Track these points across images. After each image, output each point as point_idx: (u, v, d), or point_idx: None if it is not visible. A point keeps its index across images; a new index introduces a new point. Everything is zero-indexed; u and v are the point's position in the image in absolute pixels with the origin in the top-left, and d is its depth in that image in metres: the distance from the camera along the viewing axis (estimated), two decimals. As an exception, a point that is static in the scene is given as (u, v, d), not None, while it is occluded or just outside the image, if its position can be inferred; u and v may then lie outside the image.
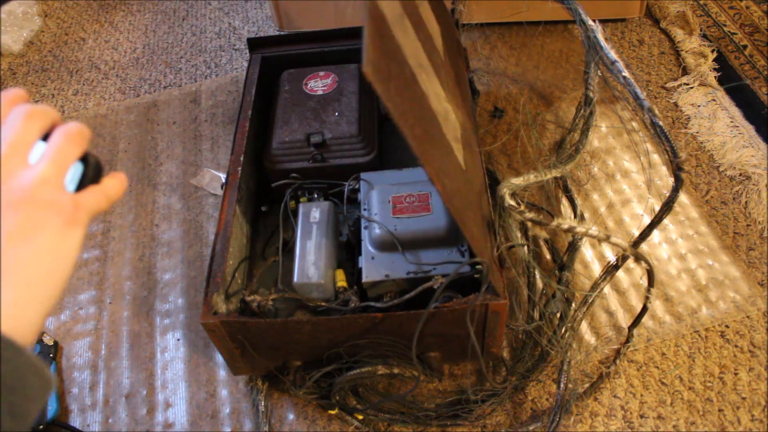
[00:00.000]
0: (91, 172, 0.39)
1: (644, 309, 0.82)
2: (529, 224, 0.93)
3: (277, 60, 1.07)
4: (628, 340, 0.87)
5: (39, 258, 0.35)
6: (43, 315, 0.36)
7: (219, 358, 0.92)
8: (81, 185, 0.39)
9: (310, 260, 0.83)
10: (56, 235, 0.36)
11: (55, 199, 0.36)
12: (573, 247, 0.97)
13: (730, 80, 1.21)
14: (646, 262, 0.73)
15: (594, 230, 0.64)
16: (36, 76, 1.43)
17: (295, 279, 0.82)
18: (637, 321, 0.85)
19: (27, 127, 0.37)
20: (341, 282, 0.83)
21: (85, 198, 0.39)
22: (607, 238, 0.65)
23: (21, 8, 1.50)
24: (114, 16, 1.57)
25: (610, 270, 0.83)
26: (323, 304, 0.82)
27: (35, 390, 0.33)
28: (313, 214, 0.87)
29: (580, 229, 0.63)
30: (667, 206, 0.72)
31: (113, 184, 0.41)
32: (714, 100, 1.18)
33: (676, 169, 0.63)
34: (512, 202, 0.66)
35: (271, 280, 0.89)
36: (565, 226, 0.63)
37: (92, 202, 0.39)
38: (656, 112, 0.61)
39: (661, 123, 0.62)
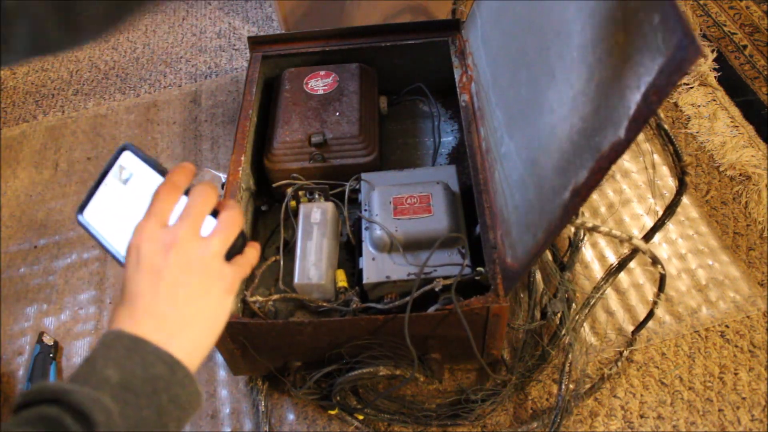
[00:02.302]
0: (238, 245, 0.48)
1: (651, 313, 0.82)
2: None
3: (277, 59, 1.07)
4: (630, 344, 0.87)
5: (208, 315, 0.45)
6: (203, 358, 0.46)
7: (219, 358, 0.92)
8: (230, 254, 0.48)
9: (311, 261, 0.83)
10: (220, 298, 0.46)
11: (221, 271, 0.46)
12: (574, 247, 0.97)
13: (729, 80, 1.21)
14: (662, 266, 0.73)
15: (617, 231, 0.64)
16: (36, 76, 1.43)
17: (296, 280, 0.82)
18: (641, 325, 0.85)
19: (202, 208, 0.46)
20: (342, 282, 0.84)
21: (238, 268, 0.48)
22: (630, 239, 0.65)
23: (21, 8, 1.50)
24: (114, 16, 1.57)
25: (613, 272, 0.83)
26: (324, 304, 0.82)
27: (195, 408, 0.44)
28: (314, 214, 0.87)
29: (603, 228, 0.63)
30: (671, 210, 0.72)
31: (253, 253, 0.50)
32: (714, 100, 1.18)
33: (681, 173, 0.63)
34: None
35: (272, 280, 0.89)
36: (590, 225, 0.63)
37: (241, 271, 0.48)
38: (662, 116, 0.61)
39: (666, 126, 0.62)
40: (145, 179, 0.50)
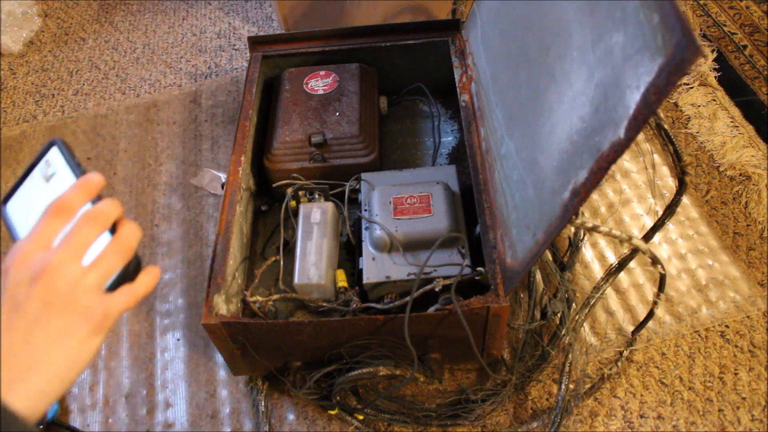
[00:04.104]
0: (130, 271, 0.44)
1: (651, 314, 0.82)
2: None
3: (277, 59, 1.07)
4: (630, 344, 0.87)
5: (63, 359, 0.41)
6: (50, 404, 0.41)
7: (219, 358, 0.92)
8: (116, 282, 0.43)
9: (311, 261, 0.83)
10: (82, 340, 0.41)
11: (91, 307, 0.41)
12: (574, 247, 0.97)
13: (729, 80, 1.21)
14: (662, 266, 0.72)
15: (617, 231, 0.64)
16: (36, 76, 1.43)
17: (296, 280, 0.82)
18: (641, 325, 0.85)
19: (88, 231, 0.42)
20: (342, 282, 0.84)
21: (116, 302, 0.43)
22: (630, 239, 0.65)
23: (21, 8, 1.50)
24: (114, 16, 1.57)
25: (613, 271, 0.83)
26: (324, 304, 0.82)
27: None
28: (314, 214, 0.87)
29: (603, 228, 0.63)
30: (671, 210, 0.72)
31: (146, 281, 0.45)
32: (714, 100, 1.18)
33: (681, 173, 0.63)
34: None
35: (272, 280, 0.89)
36: (590, 225, 0.63)
37: (121, 306, 0.43)
38: (662, 116, 0.61)
39: (666, 126, 0.62)
40: (65, 180, 0.46)
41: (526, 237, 0.68)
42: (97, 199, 0.44)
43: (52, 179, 0.46)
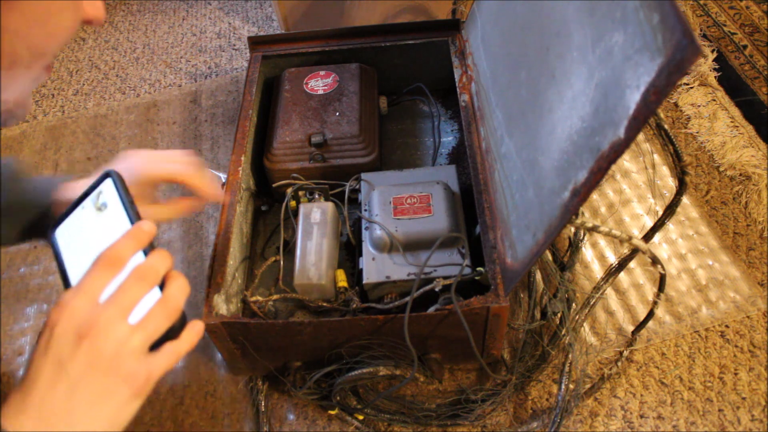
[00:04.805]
0: (175, 328, 0.43)
1: (651, 314, 0.82)
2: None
3: (277, 59, 1.07)
4: (630, 344, 0.87)
5: (102, 422, 0.40)
6: None
7: (219, 358, 0.92)
8: (163, 339, 0.42)
9: (311, 261, 0.83)
10: (122, 404, 0.41)
11: (134, 372, 0.41)
12: (574, 247, 0.97)
13: (729, 80, 1.21)
14: (662, 266, 0.72)
15: (617, 231, 0.64)
16: (36, 75, 1.43)
17: (296, 280, 0.82)
18: (641, 325, 0.85)
19: (136, 289, 0.41)
20: (342, 282, 0.84)
21: (158, 365, 0.42)
22: (630, 239, 0.65)
23: (21, 8, 1.50)
24: (114, 16, 1.57)
25: (613, 272, 0.83)
26: (324, 304, 0.82)
27: None
28: (314, 214, 0.87)
29: (603, 228, 0.63)
30: (671, 210, 0.72)
31: (189, 339, 0.45)
32: (714, 100, 1.18)
33: (681, 173, 0.63)
34: None
35: (272, 280, 0.89)
36: (590, 225, 0.63)
37: (163, 368, 0.43)
38: (662, 116, 0.61)
39: (666, 126, 0.62)
40: (115, 216, 0.45)
41: (526, 237, 0.68)
42: (149, 248, 0.44)
43: (104, 211, 0.46)
